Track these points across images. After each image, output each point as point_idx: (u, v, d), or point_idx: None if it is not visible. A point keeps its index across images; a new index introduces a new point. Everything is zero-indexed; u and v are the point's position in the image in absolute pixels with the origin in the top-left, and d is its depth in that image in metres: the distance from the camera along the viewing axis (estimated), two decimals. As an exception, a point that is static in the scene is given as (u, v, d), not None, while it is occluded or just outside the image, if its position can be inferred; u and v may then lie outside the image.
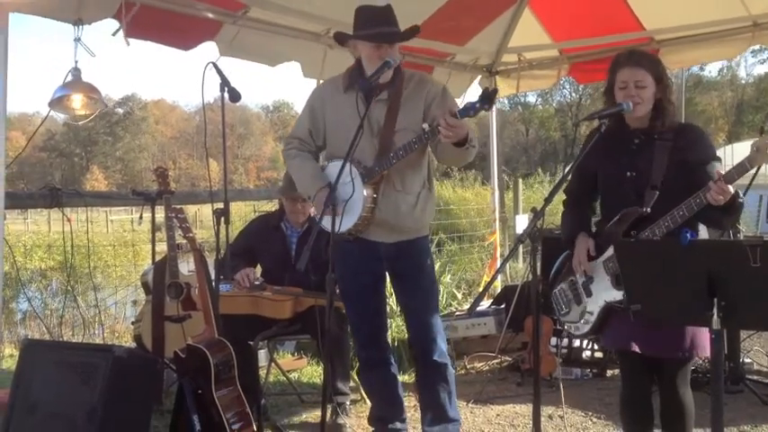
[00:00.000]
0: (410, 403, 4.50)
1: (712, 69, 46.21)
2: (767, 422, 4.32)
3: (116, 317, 8.13)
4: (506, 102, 45.18)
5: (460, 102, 3.72)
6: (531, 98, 50.98)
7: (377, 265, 3.59)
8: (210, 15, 4.82)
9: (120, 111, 61.31)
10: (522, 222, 8.34)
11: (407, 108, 3.47)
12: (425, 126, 3.31)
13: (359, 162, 3.42)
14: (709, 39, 5.88)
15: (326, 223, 3.24)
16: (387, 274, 3.68)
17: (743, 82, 46.29)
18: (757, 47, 5.82)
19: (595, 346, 5.60)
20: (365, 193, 3.40)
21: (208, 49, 4.86)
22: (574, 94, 51.61)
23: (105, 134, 59.92)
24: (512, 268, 8.97)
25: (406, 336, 5.61)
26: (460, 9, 5.77)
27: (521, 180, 10.30)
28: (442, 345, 3.65)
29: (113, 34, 4.39)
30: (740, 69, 45.97)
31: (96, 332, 6.73)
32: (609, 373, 5.43)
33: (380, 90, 3.46)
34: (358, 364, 5.19)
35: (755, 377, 5.05)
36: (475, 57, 6.86)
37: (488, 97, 3.12)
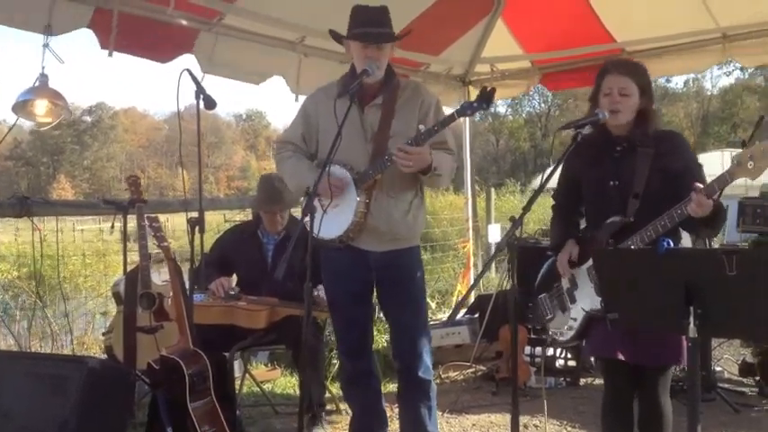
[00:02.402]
0: (390, 411, 4.48)
1: (678, 81, 46.97)
2: (740, 430, 4.38)
3: (84, 328, 7.99)
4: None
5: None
6: (502, 108, 51.37)
7: (366, 274, 3.53)
8: (185, 23, 4.78)
9: (89, 119, 60.64)
10: (494, 232, 8.36)
11: (402, 114, 3.45)
12: (421, 127, 3.29)
13: (351, 167, 3.39)
14: (679, 50, 5.96)
15: (317, 229, 3.15)
16: (375, 283, 3.60)
17: (708, 94, 47.06)
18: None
19: (569, 355, 5.62)
20: (358, 199, 3.36)
21: (186, 61, 4.83)
22: (543, 105, 52.12)
23: (73, 143, 59.20)
24: (484, 277, 8.98)
25: (384, 345, 5.66)
26: (435, 20, 5.80)
27: (493, 189, 10.31)
28: (428, 360, 3.59)
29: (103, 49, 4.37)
30: (706, 81, 46.75)
31: (64, 343, 6.61)
32: (582, 381, 5.47)
33: (375, 95, 3.45)
34: (332, 374, 5.20)
35: (727, 385, 5.11)
36: (448, 66, 6.90)
37: (486, 97, 3.11)
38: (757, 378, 5.04)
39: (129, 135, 64.05)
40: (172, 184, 55.80)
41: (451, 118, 3.33)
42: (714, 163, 3.04)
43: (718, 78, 45.91)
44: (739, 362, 5.47)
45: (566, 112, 51.09)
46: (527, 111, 54.04)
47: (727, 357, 5.79)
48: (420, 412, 3.60)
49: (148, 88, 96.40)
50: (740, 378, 5.33)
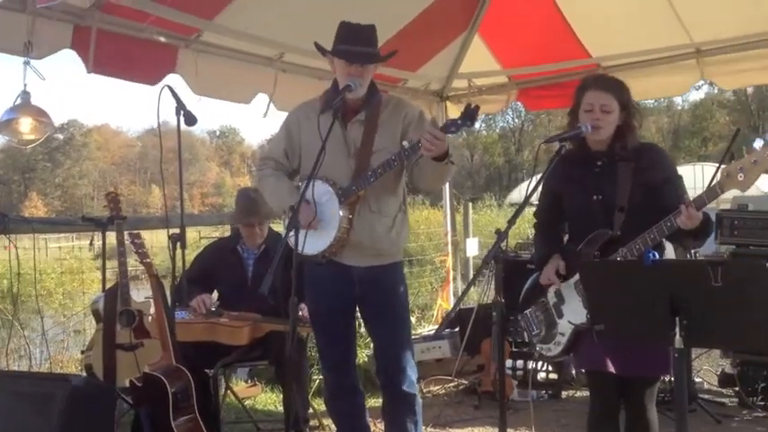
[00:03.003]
0: (374, 426, 4.46)
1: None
2: (721, 440, 4.42)
3: (60, 347, 7.89)
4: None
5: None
6: (476, 124, 51.64)
7: (349, 289, 3.52)
8: (163, 39, 4.77)
9: (61, 136, 60.01)
10: (472, 246, 8.39)
11: (385, 130, 3.46)
12: (405, 143, 3.29)
13: (334, 183, 3.39)
14: (654, 65, 6.04)
15: (301, 245, 3.11)
16: (358, 299, 3.59)
17: (679, 108, 47.70)
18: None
19: (550, 368, 5.64)
20: (341, 214, 3.36)
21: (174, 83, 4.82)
22: (516, 120, 52.52)
23: (44, 160, 58.51)
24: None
25: (365, 360, 5.64)
26: (413, 36, 5.84)
27: (470, 204, 10.35)
28: (412, 375, 3.58)
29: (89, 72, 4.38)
30: (676, 96, 47.36)
31: (39, 362, 6.52)
32: (564, 394, 5.49)
33: (357, 111, 3.46)
34: (314, 389, 5.18)
35: (707, 396, 5.16)
36: (426, 82, 6.94)
37: (470, 114, 3.12)
38: (737, 389, 5.08)
39: (101, 152, 63.48)
40: (145, 201, 55.39)
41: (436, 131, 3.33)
42: (686, 176, 3.10)
43: (689, 93, 46.59)
44: (719, 373, 5.52)
45: (539, 127, 51.57)
46: (501, 126, 54.45)
47: (707, 368, 5.84)
48: (406, 427, 3.58)
49: (121, 105, 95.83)
50: (720, 389, 5.38)
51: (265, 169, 3.65)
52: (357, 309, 3.66)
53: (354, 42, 3.36)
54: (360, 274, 3.50)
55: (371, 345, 4.87)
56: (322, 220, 3.35)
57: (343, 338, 3.64)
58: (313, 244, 3.31)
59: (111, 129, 68.03)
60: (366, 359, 5.68)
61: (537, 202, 3.43)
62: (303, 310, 3.97)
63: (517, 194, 25.53)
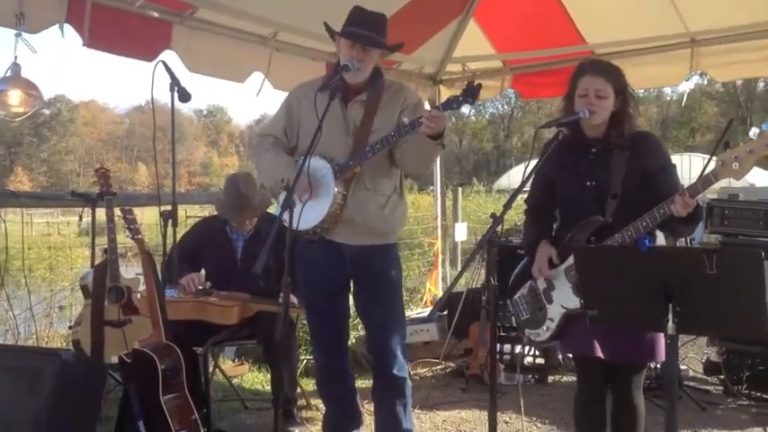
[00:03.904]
0: (362, 408, 4.47)
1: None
2: (706, 428, 4.46)
3: (46, 323, 7.85)
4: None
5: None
6: (465, 109, 51.60)
7: (341, 269, 3.53)
8: (156, 15, 4.73)
9: (47, 111, 59.53)
10: (461, 230, 8.41)
11: (384, 112, 3.47)
12: (405, 119, 3.29)
13: (332, 159, 3.39)
14: (648, 54, 6.03)
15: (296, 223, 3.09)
16: (351, 280, 3.60)
17: (668, 99, 47.82)
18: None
19: (537, 353, 5.66)
20: (336, 189, 3.36)
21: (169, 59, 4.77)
22: (506, 107, 52.54)
23: (30, 135, 58.13)
24: (452, 276, 9.01)
25: (353, 341, 5.65)
26: (408, 18, 5.80)
27: (459, 189, 10.34)
28: (402, 357, 3.58)
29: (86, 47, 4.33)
30: (669, 87, 47.48)
31: (24, 336, 6.49)
32: (550, 378, 5.52)
33: (359, 92, 3.46)
34: (301, 369, 5.18)
35: (692, 383, 5.20)
36: (420, 65, 6.91)
37: (471, 92, 3.11)
38: (722, 377, 5.12)
39: (88, 128, 63.11)
40: (131, 178, 55.15)
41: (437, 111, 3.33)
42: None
43: (681, 84, 46.62)
44: (704, 360, 5.57)
45: (528, 113, 51.69)
46: (490, 112, 54.52)
47: (692, 356, 5.89)
48: (395, 410, 3.60)
49: (109, 82, 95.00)
50: (705, 377, 5.43)
51: (265, 144, 3.65)
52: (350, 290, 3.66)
53: (361, 26, 3.37)
54: (351, 252, 3.49)
55: (360, 326, 4.90)
56: (317, 195, 3.34)
57: (335, 320, 3.65)
58: (306, 218, 3.29)
59: (98, 105, 67.67)
60: (354, 341, 5.69)
61: (529, 190, 3.43)
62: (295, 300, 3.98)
63: (506, 180, 25.57)
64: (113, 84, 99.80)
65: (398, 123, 3.34)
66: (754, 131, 2.65)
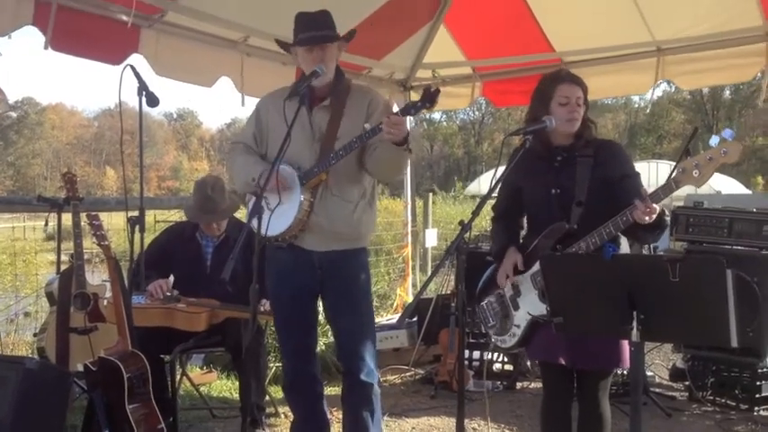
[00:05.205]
0: (331, 415, 4.46)
1: (608, 92, 48.03)
2: (671, 433, 4.51)
3: (9, 329, 7.73)
4: (411, 118, 45.90)
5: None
6: (436, 114, 51.79)
7: (310, 275, 3.51)
8: (124, 18, 4.67)
9: (14, 114, 58.70)
10: (431, 236, 8.43)
11: (350, 117, 3.45)
12: (367, 126, 3.28)
13: (298, 167, 3.38)
14: (615, 62, 6.11)
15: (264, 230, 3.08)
16: (319, 286, 3.57)
17: (636, 106, 48.37)
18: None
19: (505, 359, 5.69)
20: (302, 197, 3.35)
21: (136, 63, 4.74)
22: (477, 113, 52.79)
23: (-4, 138, 57.32)
24: (422, 282, 9.03)
25: (323, 348, 5.63)
26: (378, 24, 5.82)
27: (430, 195, 10.38)
28: (371, 363, 3.56)
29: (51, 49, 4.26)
30: (636, 96, 48.07)
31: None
32: (519, 385, 5.55)
33: (323, 97, 3.45)
34: (270, 377, 5.15)
35: (658, 390, 5.26)
36: (390, 71, 6.92)
37: (430, 97, 3.12)
38: (687, 383, 5.18)
39: (56, 132, 62.26)
40: (99, 182, 54.54)
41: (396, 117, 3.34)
42: (641, 173, 3.17)
43: (648, 93, 47.20)
44: (670, 367, 5.63)
45: (498, 120, 51.94)
46: (461, 118, 54.70)
47: (658, 362, 5.96)
48: (362, 416, 3.58)
49: (78, 85, 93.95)
50: (671, 383, 5.49)
51: (236, 151, 3.64)
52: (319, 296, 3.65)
53: (309, 29, 3.37)
54: (320, 258, 3.48)
55: (329, 333, 4.88)
56: (283, 202, 3.33)
57: (303, 325, 3.62)
58: (273, 226, 3.27)
59: (66, 108, 66.74)
60: (324, 347, 5.68)
61: (496, 197, 3.45)
62: (264, 305, 3.96)
63: (476, 186, 25.71)
64: (83, 87, 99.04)
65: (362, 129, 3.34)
66: (714, 139, 2.69)
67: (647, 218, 2.76)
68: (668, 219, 2.93)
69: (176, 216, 8.04)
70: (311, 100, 3.42)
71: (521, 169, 3.13)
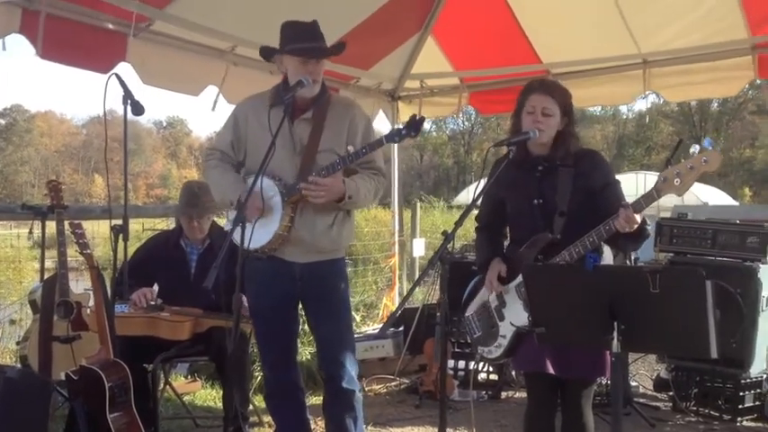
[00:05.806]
0: (314, 424, 4.45)
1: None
2: (655, 443, 4.52)
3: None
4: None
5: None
6: (426, 124, 51.84)
7: (290, 285, 3.51)
8: (111, 27, 4.68)
9: (2, 121, 58.51)
10: (418, 246, 8.43)
11: (331, 130, 3.45)
12: (350, 148, 3.29)
13: (279, 179, 3.38)
14: (602, 74, 6.15)
15: (238, 237, 3.09)
16: (299, 295, 3.58)
17: (624, 117, 48.66)
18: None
19: (491, 369, 5.70)
20: (283, 211, 3.35)
21: (123, 71, 4.73)
22: (467, 123, 52.96)
23: (-16, 145, 57.08)
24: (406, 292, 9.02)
25: (308, 357, 5.62)
26: (366, 34, 5.84)
27: (419, 204, 10.38)
28: (352, 371, 3.57)
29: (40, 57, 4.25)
30: (622, 105, 48.34)
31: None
32: (504, 395, 5.55)
33: (305, 110, 3.44)
34: (255, 386, 5.13)
35: (642, 400, 5.28)
36: (378, 81, 6.94)
37: (414, 125, 3.16)
38: (671, 393, 5.19)
39: (45, 139, 62.07)
40: (88, 190, 54.34)
41: (379, 143, 3.38)
42: (629, 184, 3.18)
43: (634, 103, 47.56)
44: (654, 377, 5.64)
45: (488, 130, 52.10)
46: (450, 128, 54.88)
47: (642, 372, 5.97)
48: (345, 423, 3.58)
49: (67, 92, 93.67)
50: (654, 393, 5.51)
51: (211, 160, 3.62)
52: (300, 306, 3.65)
53: (305, 39, 3.35)
54: (300, 269, 3.49)
55: (314, 342, 4.88)
56: (265, 216, 3.33)
57: (283, 335, 3.62)
58: (254, 239, 3.27)
59: (55, 116, 66.67)
60: (309, 357, 5.66)
61: (479, 208, 3.46)
62: (248, 311, 3.95)
63: (465, 196, 25.75)
64: (72, 94, 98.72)
65: (345, 150, 3.34)
66: (694, 148, 2.71)
67: (628, 226, 2.77)
68: (650, 228, 2.93)
69: (163, 224, 8.02)
70: (293, 111, 3.39)
71: (503, 180, 3.14)
